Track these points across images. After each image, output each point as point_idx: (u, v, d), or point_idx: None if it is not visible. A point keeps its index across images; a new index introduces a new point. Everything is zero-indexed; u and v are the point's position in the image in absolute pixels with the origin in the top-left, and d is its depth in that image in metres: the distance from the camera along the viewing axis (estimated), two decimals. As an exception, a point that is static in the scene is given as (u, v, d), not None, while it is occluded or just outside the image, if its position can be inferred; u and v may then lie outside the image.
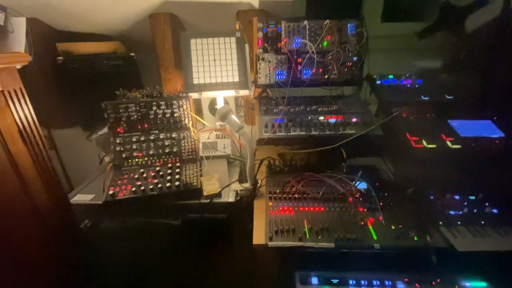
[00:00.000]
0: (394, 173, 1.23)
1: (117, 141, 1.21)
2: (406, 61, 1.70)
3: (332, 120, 1.24)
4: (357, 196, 1.08)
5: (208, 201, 1.13)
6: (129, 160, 1.20)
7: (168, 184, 1.10)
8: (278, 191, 1.12)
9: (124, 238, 1.15)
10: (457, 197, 1.07)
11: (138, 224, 1.14)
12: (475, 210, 1.01)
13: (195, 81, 1.30)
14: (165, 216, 1.14)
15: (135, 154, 1.20)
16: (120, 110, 1.21)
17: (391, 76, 1.45)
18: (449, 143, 1.06)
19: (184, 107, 1.25)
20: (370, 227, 0.95)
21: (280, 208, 1.04)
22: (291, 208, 1.04)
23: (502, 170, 1.06)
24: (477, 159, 1.03)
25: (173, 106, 1.25)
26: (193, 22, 1.66)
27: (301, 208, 1.04)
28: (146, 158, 1.21)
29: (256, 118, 1.27)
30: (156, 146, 1.23)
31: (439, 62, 1.45)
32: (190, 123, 1.25)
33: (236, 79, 1.32)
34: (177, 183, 1.11)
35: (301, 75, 1.37)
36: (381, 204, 1.04)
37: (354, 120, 1.23)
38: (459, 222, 0.97)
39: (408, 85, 1.41)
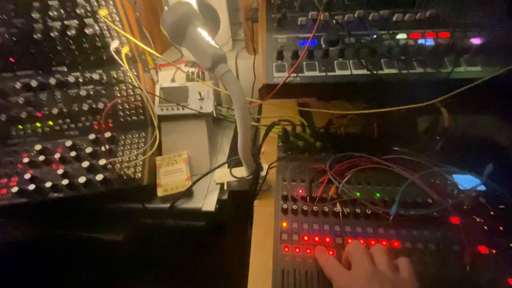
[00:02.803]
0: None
1: (-13, 88, 0.62)
2: None
3: (427, 41, 0.56)
4: (470, 212, 0.51)
5: (168, 206, 0.60)
6: (19, 126, 0.63)
7: (83, 179, 0.56)
8: (301, 194, 0.56)
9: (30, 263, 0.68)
10: None
11: (48, 240, 0.65)
12: None
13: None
14: (94, 228, 0.64)
15: (24, 114, 0.62)
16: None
17: None
18: None
19: (103, 13, 0.58)
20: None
21: (305, 238, 0.50)
22: (328, 239, 0.49)
23: None
24: None
25: (78, 11, 0.58)
26: None
27: (350, 239, 0.49)
28: (50, 122, 0.64)
29: (260, 39, 0.61)
30: (67, 97, 0.64)
31: None
32: (124, 50, 0.61)
33: None
34: (99, 176, 0.56)
35: None
36: (527, 236, 0.47)
37: (475, 41, 0.55)
38: None
39: None
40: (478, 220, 0.50)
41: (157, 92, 0.69)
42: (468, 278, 0.43)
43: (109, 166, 0.56)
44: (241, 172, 0.63)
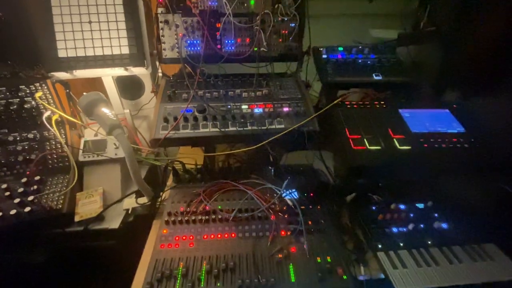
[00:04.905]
0: (333, 175, 0.99)
1: None
2: (362, 29, 1.41)
3: (258, 110, 0.94)
4: (281, 212, 0.83)
5: (82, 228, 0.81)
6: (-39, 175, 0.82)
7: (13, 211, 0.76)
8: (179, 211, 0.83)
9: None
10: (402, 206, 0.87)
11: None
12: (421, 225, 0.82)
13: (62, 54, 0.89)
14: (23, 250, 0.81)
15: (-33, 165, 0.82)
16: None
17: (340, 49, 1.16)
18: (397, 143, 0.82)
19: (39, 94, 0.85)
20: (290, 262, 0.71)
21: (176, 238, 0.76)
22: (191, 237, 0.76)
23: (458, 174, 0.86)
24: (430, 163, 0.81)
25: (21, 94, 0.85)
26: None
27: (205, 236, 0.77)
28: (-11, 170, 0.83)
29: (155, 108, 0.92)
30: (5, 152, 0.85)
31: (396, 32, 1.17)
32: (54, 118, 0.87)
33: (126, 50, 0.93)
34: (28, 208, 0.77)
35: (222, 46, 1.02)
36: (309, 223, 0.80)
37: (285, 109, 0.94)
38: (401, 243, 0.78)
39: (360, 61, 1.13)
40: (285, 216, 0.82)
41: (81, 145, 0.94)
42: (268, 251, 0.72)
43: (36, 200, 0.78)
44: (144, 199, 0.89)
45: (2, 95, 0.83)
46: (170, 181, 1.01)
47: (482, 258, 0.74)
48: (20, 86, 0.84)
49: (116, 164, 0.96)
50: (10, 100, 0.84)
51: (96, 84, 1.13)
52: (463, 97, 0.96)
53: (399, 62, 1.12)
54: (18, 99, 0.84)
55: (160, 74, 1.06)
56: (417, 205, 0.89)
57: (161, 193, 0.88)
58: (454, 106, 0.94)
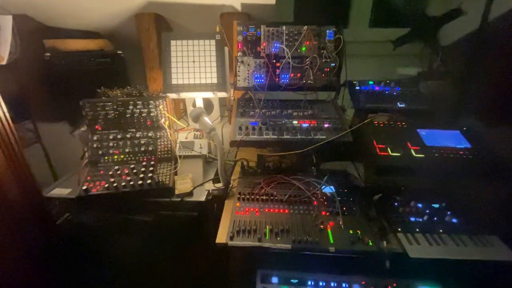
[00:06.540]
0: (363, 179, 1.25)
1: (95, 138, 1.25)
2: (390, 67, 1.72)
3: (305, 125, 1.26)
4: (322, 199, 1.11)
5: (179, 199, 1.17)
6: (106, 157, 1.24)
7: (140, 182, 1.14)
8: (247, 192, 1.15)
9: (98, 233, 1.19)
10: (420, 205, 1.10)
11: (111, 219, 1.18)
12: (435, 218, 1.04)
13: (174, 82, 1.33)
14: (137, 212, 1.18)
15: (111, 151, 1.24)
16: (98, 108, 1.24)
17: (371, 82, 1.47)
18: (413, 152, 1.08)
19: (161, 107, 1.28)
20: (329, 230, 0.98)
21: (246, 209, 1.07)
22: (256, 209, 1.07)
23: (466, 180, 1.08)
24: (440, 169, 1.06)
25: (150, 106, 1.28)
26: (179, 23, 1.69)
27: (266, 210, 1.07)
28: (122, 156, 1.25)
29: (232, 120, 1.30)
30: (133, 144, 1.27)
31: (417, 70, 1.47)
32: (167, 123, 1.29)
33: (215, 81, 1.35)
34: (149, 181, 1.15)
35: (279, 79, 1.40)
36: (344, 209, 1.07)
37: (326, 125, 1.25)
38: (417, 229, 1.00)
39: (387, 92, 1.43)
40: (325, 203, 1.10)
41: (178, 143, 1.34)
42: (313, 222, 1.00)
43: (154, 176, 1.16)
44: (219, 184, 1.23)
45: (139, 107, 1.27)
46: (233, 175, 1.34)
47: (483, 245, 0.93)
48: (150, 101, 1.28)
49: (199, 158, 1.33)
50: (142, 110, 1.27)
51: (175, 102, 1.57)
52: (471, 121, 1.20)
53: (419, 94, 1.39)
54: (147, 109, 1.28)
55: (233, 98, 1.46)
56: (433, 205, 1.11)
57: (233, 181, 1.22)
58: (464, 128, 1.18)
